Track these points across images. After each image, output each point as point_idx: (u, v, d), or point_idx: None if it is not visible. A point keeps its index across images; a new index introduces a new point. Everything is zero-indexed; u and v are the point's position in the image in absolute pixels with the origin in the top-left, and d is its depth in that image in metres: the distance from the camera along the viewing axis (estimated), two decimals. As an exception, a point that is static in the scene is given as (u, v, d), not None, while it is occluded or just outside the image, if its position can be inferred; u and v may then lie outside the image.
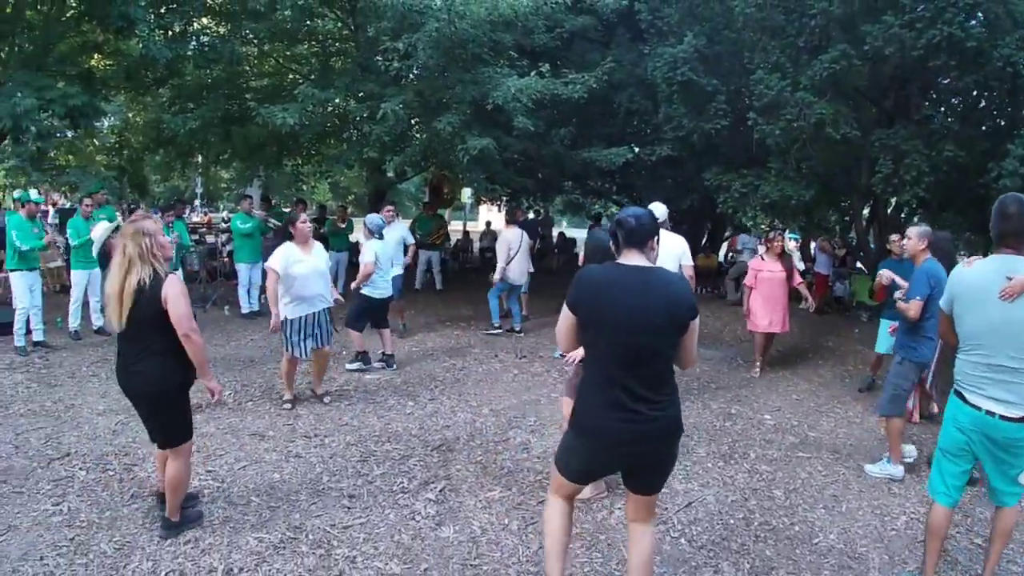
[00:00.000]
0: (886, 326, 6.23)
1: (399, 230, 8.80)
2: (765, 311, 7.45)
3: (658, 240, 2.71)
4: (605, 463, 2.82)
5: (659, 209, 5.93)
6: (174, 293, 3.34)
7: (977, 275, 3.07)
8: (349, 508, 3.99)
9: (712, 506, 4.25)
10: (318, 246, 5.85)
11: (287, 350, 5.63)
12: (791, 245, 16.35)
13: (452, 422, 5.54)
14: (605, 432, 2.62)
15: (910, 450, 5.01)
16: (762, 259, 7.71)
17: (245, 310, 9.48)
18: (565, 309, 2.67)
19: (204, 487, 4.17)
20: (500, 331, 9.08)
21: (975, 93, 8.54)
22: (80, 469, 4.45)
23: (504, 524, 3.87)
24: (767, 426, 5.78)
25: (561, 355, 6.09)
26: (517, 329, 9.21)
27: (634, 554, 2.87)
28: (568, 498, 2.91)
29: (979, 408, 3.02)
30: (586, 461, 2.78)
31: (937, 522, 3.24)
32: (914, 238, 4.63)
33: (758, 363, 7.68)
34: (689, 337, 2.63)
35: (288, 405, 5.75)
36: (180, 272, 8.63)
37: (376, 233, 7.04)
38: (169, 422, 3.56)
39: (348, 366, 7.01)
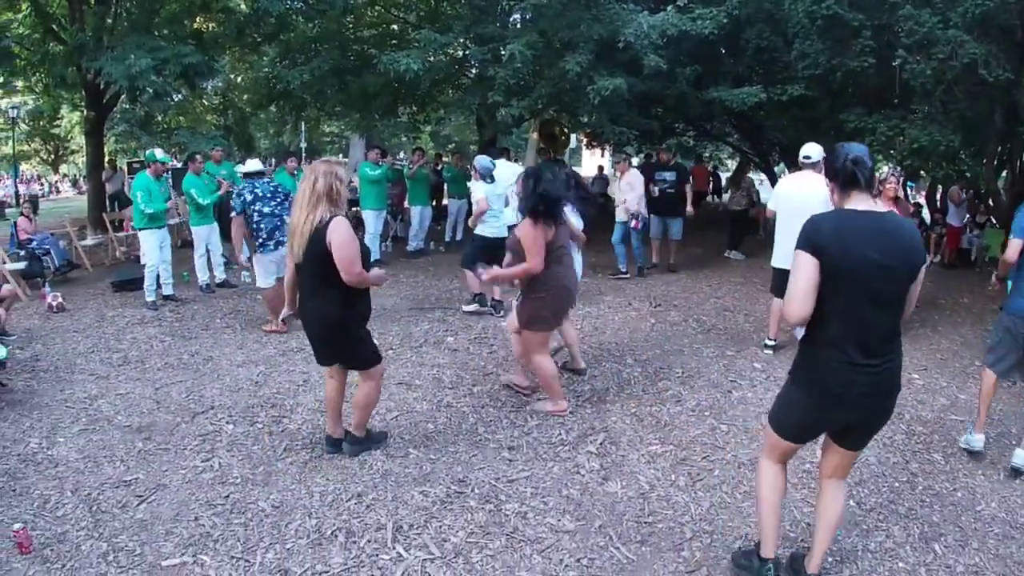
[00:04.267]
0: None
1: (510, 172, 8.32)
2: None
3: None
4: (831, 419, 2.73)
5: (815, 149, 5.81)
6: (339, 238, 3.41)
7: None
8: (511, 461, 3.96)
9: (875, 467, 4.28)
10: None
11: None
12: (912, 192, 15.55)
13: (599, 372, 5.58)
14: (842, 387, 2.57)
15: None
16: (875, 203, 7.36)
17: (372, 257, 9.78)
18: (803, 258, 2.48)
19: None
20: (627, 276, 9.19)
21: None
22: (227, 423, 4.41)
23: (672, 480, 3.89)
24: (917, 385, 5.77)
25: (770, 344, 6.19)
26: (625, 271, 9.24)
27: (828, 511, 2.88)
28: (782, 461, 2.89)
29: None
30: (812, 417, 2.73)
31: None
32: None
33: None
34: (916, 285, 2.61)
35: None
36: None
37: (486, 176, 7.04)
38: (349, 351, 3.74)
39: (465, 308, 7.18)
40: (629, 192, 8.93)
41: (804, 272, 2.47)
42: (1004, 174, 10.23)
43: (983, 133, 9.27)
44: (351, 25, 12.91)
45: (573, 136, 16.32)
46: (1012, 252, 4.13)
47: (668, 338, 6.77)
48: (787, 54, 9.86)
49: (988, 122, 8.84)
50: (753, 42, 10.46)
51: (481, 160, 7.24)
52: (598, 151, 19.54)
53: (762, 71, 11.09)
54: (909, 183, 15.45)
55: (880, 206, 2.57)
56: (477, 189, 7.03)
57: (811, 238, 2.48)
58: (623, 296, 8.32)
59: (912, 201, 14.62)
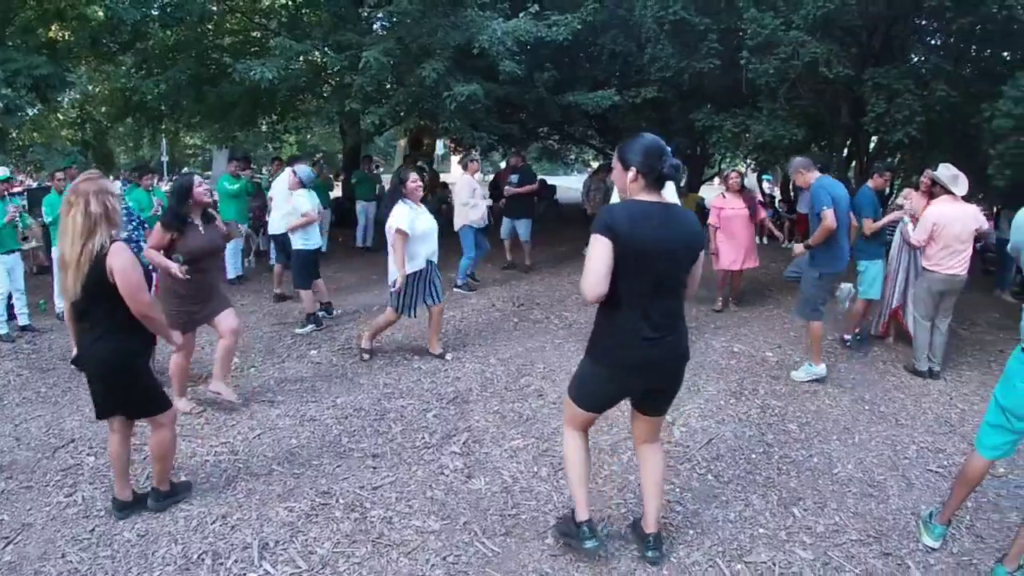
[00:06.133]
0: (869, 269, 6.35)
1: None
2: (730, 249, 7.49)
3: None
4: (627, 389, 2.94)
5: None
6: (121, 264, 3.03)
7: None
8: (375, 468, 3.94)
9: (732, 442, 4.36)
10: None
11: (397, 310, 5.64)
12: (766, 186, 16.54)
13: (462, 374, 5.54)
14: (634, 359, 2.76)
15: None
16: (723, 197, 7.68)
17: (231, 275, 9.07)
18: (599, 241, 2.63)
19: (220, 460, 4.05)
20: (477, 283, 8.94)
21: (969, 35, 8.50)
22: (88, 455, 4.22)
23: (534, 472, 3.91)
24: (771, 363, 5.92)
25: None
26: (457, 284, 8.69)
27: (650, 472, 3.07)
28: (583, 429, 3.06)
29: None
30: (608, 389, 2.91)
31: (975, 471, 3.15)
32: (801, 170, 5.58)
33: (720, 299, 7.79)
34: (697, 266, 2.85)
35: (367, 356, 5.88)
36: None
37: (308, 184, 6.80)
38: (134, 396, 3.32)
39: (298, 331, 6.74)
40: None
41: (600, 254, 2.63)
42: (853, 165, 10.86)
43: (830, 128, 9.82)
44: (211, 33, 12.30)
45: (440, 142, 16.19)
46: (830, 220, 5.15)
47: (531, 336, 6.70)
48: (640, 58, 10.13)
49: (835, 117, 9.33)
50: (608, 47, 10.70)
51: (303, 169, 7.02)
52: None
53: (618, 75, 11.34)
54: (766, 176, 16.32)
55: (659, 198, 2.75)
56: (301, 200, 6.66)
57: (607, 224, 2.64)
58: (487, 298, 8.18)
59: (768, 193, 15.47)
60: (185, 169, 32.51)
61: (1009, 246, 3.12)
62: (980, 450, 3.15)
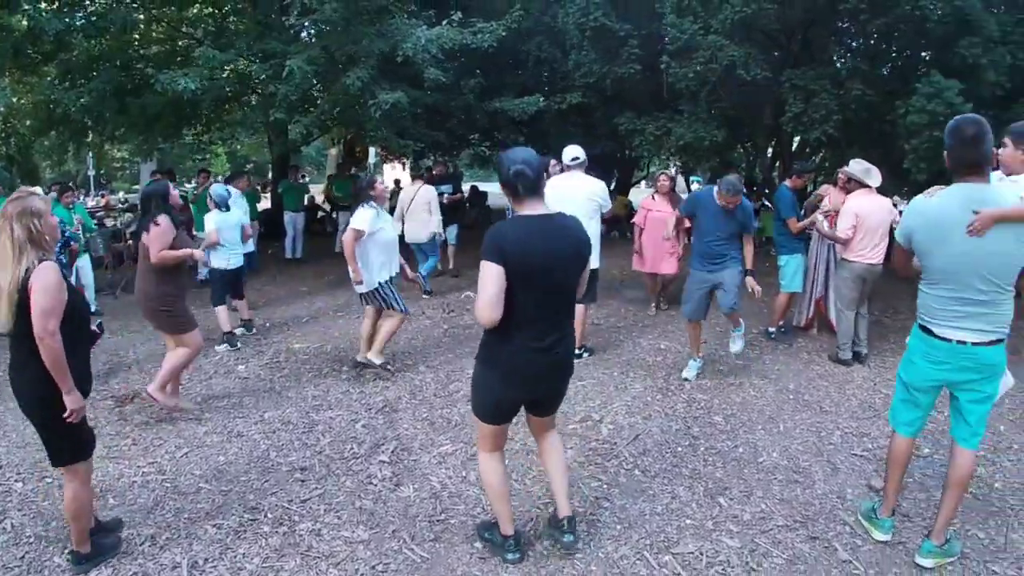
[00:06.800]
0: (789, 263, 6.49)
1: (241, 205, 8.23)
2: (653, 250, 7.39)
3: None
4: (520, 395, 2.92)
5: (568, 152, 5.87)
6: (40, 283, 2.79)
7: (939, 208, 2.85)
8: (303, 481, 3.87)
9: (658, 436, 4.37)
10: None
11: (396, 308, 5.51)
12: (695, 187, 16.90)
13: (391, 382, 5.44)
14: (524, 367, 2.77)
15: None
16: (652, 199, 7.62)
17: None
18: (491, 268, 2.60)
19: (148, 480, 3.89)
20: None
21: (880, 36, 8.83)
22: (16, 481, 4.08)
23: (463, 476, 3.87)
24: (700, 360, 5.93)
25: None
26: (427, 289, 8.76)
27: (552, 459, 3.11)
28: (497, 448, 3.03)
29: (950, 340, 2.89)
30: (504, 396, 2.87)
31: (899, 451, 3.19)
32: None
33: (653, 303, 7.79)
34: (586, 271, 2.90)
35: (390, 366, 5.70)
36: (88, 258, 7.97)
37: (222, 205, 6.66)
38: (52, 436, 3.02)
39: (217, 348, 6.46)
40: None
41: (492, 280, 2.61)
42: (778, 164, 11.17)
43: (753, 129, 10.06)
44: (136, 43, 11.89)
45: (372, 150, 16.03)
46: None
47: (460, 342, 6.64)
48: (565, 64, 10.21)
49: (759, 118, 9.56)
50: (534, 54, 10.77)
51: (217, 189, 6.91)
52: (398, 165, 19.37)
53: (544, 81, 11.40)
54: (695, 177, 16.63)
55: (543, 208, 2.74)
56: (210, 220, 6.51)
57: (497, 246, 2.61)
58: (417, 306, 8.04)
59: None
60: (115, 184, 31.52)
61: (898, 233, 3.11)
62: (896, 428, 3.21)
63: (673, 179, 7.91)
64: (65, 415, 2.90)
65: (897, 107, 7.32)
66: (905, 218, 3.02)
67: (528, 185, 2.68)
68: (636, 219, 7.64)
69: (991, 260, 2.75)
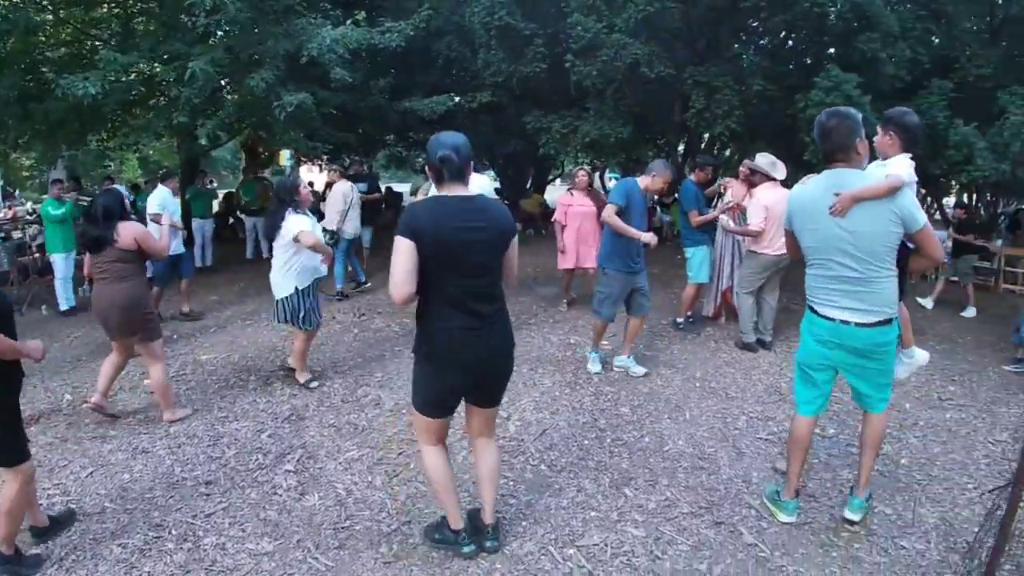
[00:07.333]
0: (695, 255, 6.61)
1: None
2: (574, 246, 7.41)
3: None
4: (458, 383, 2.88)
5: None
6: None
7: (809, 194, 3.08)
8: (208, 495, 3.78)
9: (565, 430, 4.36)
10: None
11: (306, 326, 5.19)
12: (611, 184, 17.15)
13: (298, 390, 5.28)
14: (457, 352, 2.75)
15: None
16: (571, 194, 7.59)
17: (64, 307, 8.26)
18: (403, 243, 2.61)
19: (53, 502, 3.72)
20: (341, 297, 8.61)
21: (784, 33, 9.11)
22: None
23: (368, 481, 3.81)
24: (605, 351, 5.96)
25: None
26: (363, 280, 8.89)
27: (483, 466, 3.06)
28: (438, 442, 3.00)
29: (832, 319, 3.02)
30: (440, 387, 2.86)
31: (800, 431, 3.28)
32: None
33: (565, 300, 7.78)
34: (512, 251, 2.86)
35: (315, 383, 5.38)
36: None
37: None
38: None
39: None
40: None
41: (403, 255, 2.61)
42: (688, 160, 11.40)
43: (663, 125, 10.23)
44: (41, 45, 11.14)
45: (286, 152, 15.61)
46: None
47: (370, 345, 6.50)
48: (474, 63, 10.16)
49: (669, 115, 9.72)
50: (443, 53, 10.68)
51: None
52: (316, 167, 18.92)
53: (455, 80, 11.34)
54: (612, 173, 16.83)
55: (464, 191, 2.75)
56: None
57: (409, 224, 2.62)
58: (327, 311, 7.81)
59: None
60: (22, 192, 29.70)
61: (783, 219, 3.30)
62: (798, 408, 3.30)
63: (591, 174, 7.93)
64: (38, 359, 3.19)
65: (797, 101, 7.56)
66: (787, 206, 3.24)
67: (452, 171, 2.69)
68: (556, 216, 7.62)
69: (856, 239, 2.91)
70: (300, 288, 5.14)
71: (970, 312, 8.07)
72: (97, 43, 11.37)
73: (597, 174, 17.70)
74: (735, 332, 6.38)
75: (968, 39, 8.57)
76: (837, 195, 2.90)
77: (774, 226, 5.70)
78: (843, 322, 2.99)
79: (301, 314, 5.16)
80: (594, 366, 5.51)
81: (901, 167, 3.02)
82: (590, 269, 7.38)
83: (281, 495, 3.71)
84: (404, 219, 2.66)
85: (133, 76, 9.86)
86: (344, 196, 8.45)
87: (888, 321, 2.97)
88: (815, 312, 3.11)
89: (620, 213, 5.09)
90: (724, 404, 4.80)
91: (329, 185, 9.16)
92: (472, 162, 2.83)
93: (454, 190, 2.72)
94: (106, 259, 4.46)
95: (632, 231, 5.02)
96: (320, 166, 17.04)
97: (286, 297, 5.14)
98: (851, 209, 2.88)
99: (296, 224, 4.95)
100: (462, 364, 2.78)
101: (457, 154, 2.69)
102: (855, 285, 2.94)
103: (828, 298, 3.04)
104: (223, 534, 3.37)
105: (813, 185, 3.11)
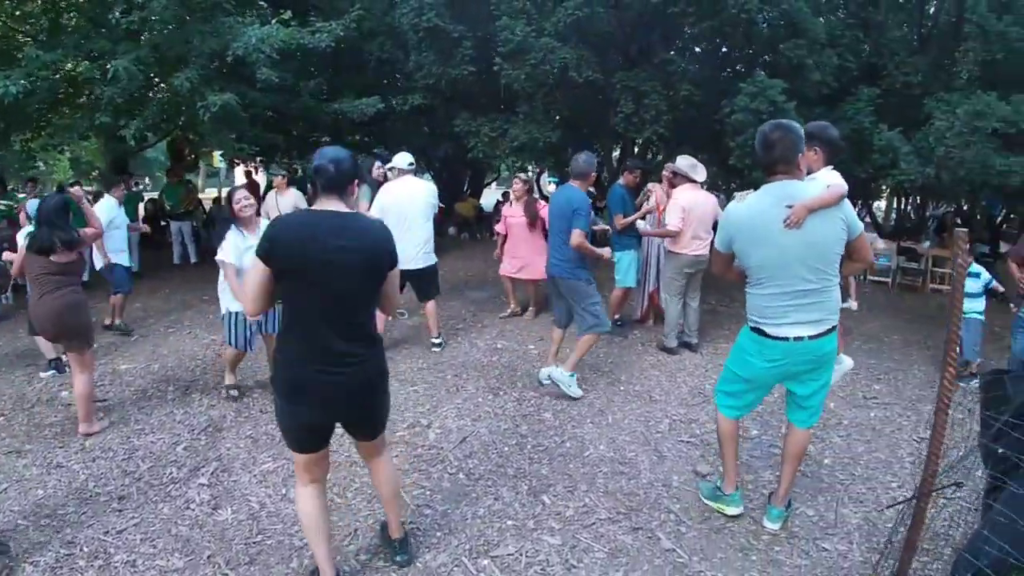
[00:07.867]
0: (623, 258, 6.65)
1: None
2: (513, 255, 7.26)
3: (359, 184, 2.71)
4: (321, 423, 2.67)
5: (404, 159, 5.96)
6: None
7: (754, 210, 2.97)
8: (120, 511, 3.67)
9: (486, 437, 4.32)
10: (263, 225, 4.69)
11: (233, 344, 4.95)
12: (551, 188, 17.20)
13: (216, 401, 5.12)
14: (305, 389, 2.54)
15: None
16: (510, 205, 7.44)
17: None
18: (256, 264, 2.47)
19: None
20: None
21: (713, 39, 9.22)
22: None
23: (283, 494, 3.72)
24: (532, 355, 6.00)
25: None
26: None
27: (380, 485, 2.97)
28: (314, 480, 2.76)
29: (786, 338, 2.96)
30: (292, 423, 2.64)
31: (728, 427, 3.30)
32: None
33: (510, 307, 7.59)
34: (389, 284, 2.64)
35: (235, 392, 5.21)
36: None
37: (32, 217, 5.80)
38: None
39: (43, 374, 5.94)
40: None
41: (254, 275, 2.50)
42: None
43: (596, 130, 10.27)
44: None
45: (218, 154, 15.19)
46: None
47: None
48: (407, 65, 10.05)
49: (604, 120, 9.74)
50: (375, 54, 10.55)
51: (32, 203, 6.46)
52: (251, 168, 18.41)
53: (387, 82, 11.22)
54: (552, 178, 16.87)
55: (341, 207, 2.56)
56: (21, 236, 5.87)
57: (267, 236, 2.47)
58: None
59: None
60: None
61: (717, 240, 3.23)
62: (722, 411, 3.32)
63: (528, 182, 7.77)
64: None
65: (723, 106, 7.69)
66: (723, 226, 3.13)
67: (325, 182, 2.52)
68: (498, 228, 7.55)
69: (813, 250, 2.88)
70: (231, 311, 4.90)
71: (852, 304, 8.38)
72: (27, 39, 10.91)
73: (535, 178, 17.75)
74: (661, 335, 6.45)
75: (897, 47, 8.84)
76: (790, 207, 2.84)
77: (691, 227, 5.79)
78: (796, 339, 2.95)
79: (230, 333, 4.98)
80: (577, 390, 5.04)
81: (836, 177, 3.08)
82: (540, 281, 6.93)
83: (194, 509, 3.63)
84: (265, 230, 2.51)
85: (58, 75, 9.50)
86: (296, 207, 8.19)
87: (833, 328, 3.00)
88: (765, 334, 3.02)
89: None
90: (647, 407, 4.83)
91: (271, 187, 8.90)
92: (357, 180, 2.65)
93: (328, 204, 2.53)
94: (51, 267, 4.39)
95: (598, 252, 5.00)
96: (255, 169, 16.65)
97: (223, 315, 4.99)
98: (806, 220, 2.84)
99: (225, 249, 4.61)
100: (311, 404, 2.57)
101: (335, 167, 2.52)
102: (810, 297, 2.92)
103: (782, 317, 2.96)
104: (134, 551, 3.29)
105: (755, 201, 2.98)
